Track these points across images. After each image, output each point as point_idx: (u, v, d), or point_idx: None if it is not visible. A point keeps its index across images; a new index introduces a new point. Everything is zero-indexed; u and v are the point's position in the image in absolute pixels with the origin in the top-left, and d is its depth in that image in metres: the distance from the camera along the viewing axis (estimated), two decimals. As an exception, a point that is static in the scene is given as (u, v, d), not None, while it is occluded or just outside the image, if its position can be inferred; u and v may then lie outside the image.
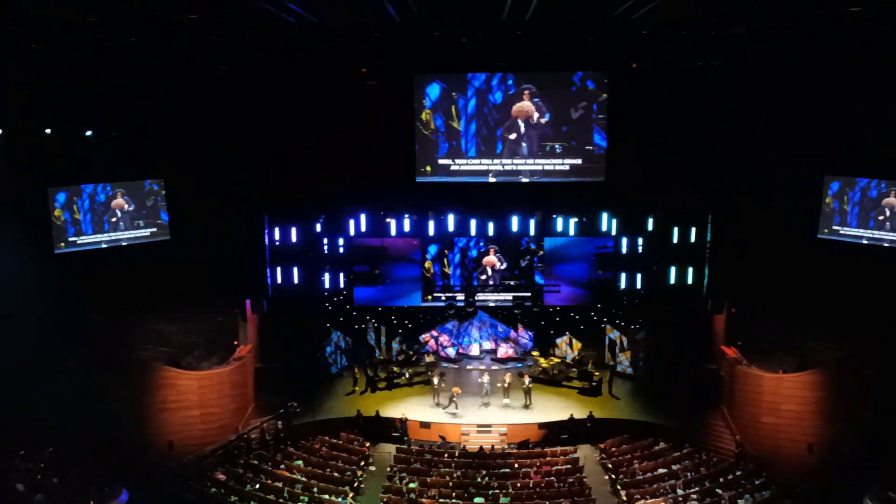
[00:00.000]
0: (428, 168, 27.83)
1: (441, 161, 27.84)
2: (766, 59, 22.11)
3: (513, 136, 27.59)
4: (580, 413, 27.74)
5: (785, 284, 25.07)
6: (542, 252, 31.33)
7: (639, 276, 30.17)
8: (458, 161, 27.95)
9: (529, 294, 31.49)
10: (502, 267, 31.51)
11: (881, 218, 25.08)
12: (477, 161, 28.12)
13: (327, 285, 30.30)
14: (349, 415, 27.86)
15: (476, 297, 31.11)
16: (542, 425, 27.32)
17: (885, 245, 24.42)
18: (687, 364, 28.96)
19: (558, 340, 33.35)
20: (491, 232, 30.08)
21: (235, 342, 29.09)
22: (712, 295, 29.07)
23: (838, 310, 23.68)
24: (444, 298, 31.42)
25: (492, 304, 31.95)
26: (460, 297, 31.46)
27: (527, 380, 28.29)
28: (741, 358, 27.77)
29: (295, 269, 29.64)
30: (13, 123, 22.34)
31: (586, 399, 29.42)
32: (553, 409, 28.44)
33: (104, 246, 25.91)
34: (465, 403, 28.49)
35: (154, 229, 26.77)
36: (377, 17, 18.55)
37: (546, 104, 27.35)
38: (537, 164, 27.92)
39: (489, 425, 27.28)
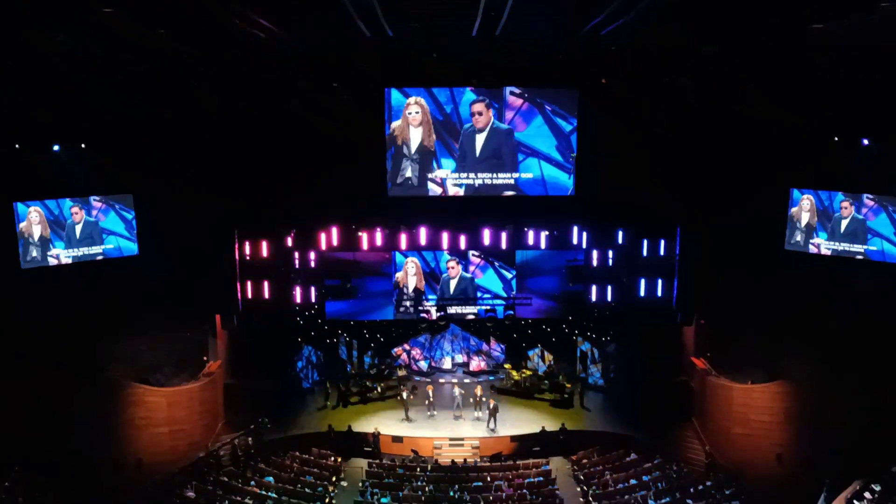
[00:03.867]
0: (399, 181, 27.84)
1: (412, 174, 27.99)
2: (736, 75, 22.65)
3: (483, 150, 27.89)
4: (552, 425, 27.99)
5: (753, 296, 25.39)
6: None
7: (609, 289, 30.37)
8: (429, 175, 28.00)
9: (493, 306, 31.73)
10: (468, 275, 31.59)
11: (843, 230, 25.69)
12: (449, 174, 28.26)
13: (298, 300, 30.21)
14: (321, 430, 27.95)
15: (448, 311, 31.42)
16: (514, 438, 27.47)
17: (850, 257, 24.89)
18: (658, 376, 29.20)
19: (530, 353, 33.51)
20: (463, 245, 30.74)
21: (205, 358, 29.02)
22: (682, 307, 29.28)
23: (806, 321, 24.13)
24: (414, 311, 31.59)
25: (468, 317, 32.26)
26: (433, 309, 31.62)
27: (492, 403, 28.25)
28: (711, 369, 28.08)
29: (265, 284, 29.56)
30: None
31: (558, 411, 29.61)
32: (525, 421, 28.58)
33: (72, 261, 25.76)
34: (438, 417, 28.93)
35: (123, 244, 26.73)
36: (348, 33, 18.74)
37: (518, 118, 28.00)
38: (508, 178, 28.08)
39: (461, 439, 27.48)
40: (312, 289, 30.40)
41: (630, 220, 29.11)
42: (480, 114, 27.30)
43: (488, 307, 30.94)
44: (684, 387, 29.19)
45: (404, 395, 29.23)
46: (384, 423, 28.41)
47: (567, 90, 26.52)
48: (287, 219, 29.04)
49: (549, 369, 32.73)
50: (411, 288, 31.67)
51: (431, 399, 29.42)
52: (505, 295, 31.22)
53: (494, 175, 28.11)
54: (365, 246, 29.83)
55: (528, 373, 32.31)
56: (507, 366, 33.22)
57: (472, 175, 28.58)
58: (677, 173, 26.51)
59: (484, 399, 29.14)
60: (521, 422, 28.59)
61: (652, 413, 28.03)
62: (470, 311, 31.81)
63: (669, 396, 28.81)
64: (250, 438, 26.83)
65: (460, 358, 34.45)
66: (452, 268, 31.32)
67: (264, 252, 29.30)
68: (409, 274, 31.86)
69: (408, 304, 31.33)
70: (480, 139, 27.65)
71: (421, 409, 29.79)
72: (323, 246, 29.80)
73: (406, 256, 31.58)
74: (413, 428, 28.28)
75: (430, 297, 31.21)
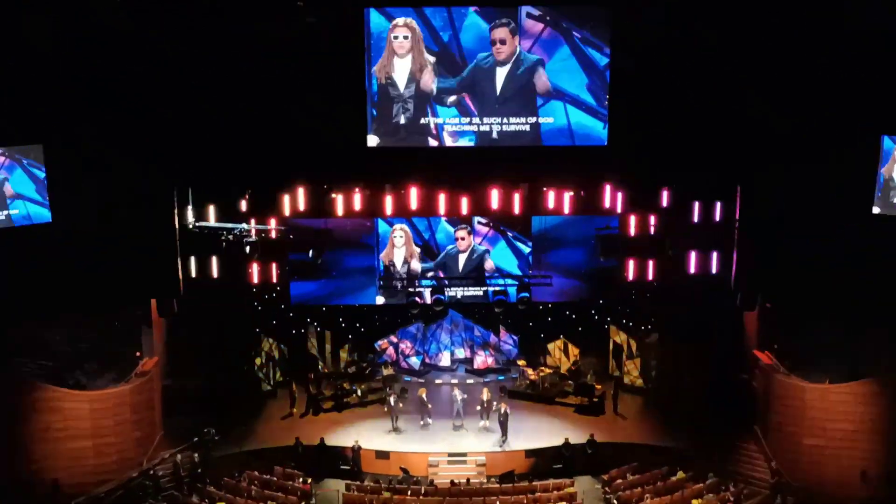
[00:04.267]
0: (384, 129, 28.16)
1: (401, 120, 28.18)
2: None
3: (505, 90, 28.16)
4: (578, 437, 28.29)
5: (832, 274, 25.66)
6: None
7: (651, 264, 30.30)
8: (423, 120, 28.23)
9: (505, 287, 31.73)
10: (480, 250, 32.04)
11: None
12: (447, 119, 28.53)
13: (256, 279, 30.10)
14: (286, 443, 28.19)
15: (447, 292, 31.51)
16: (529, 453, 27.77)
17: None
18: (710, 373, 29.86)
19: (550, 346, 34.06)
20: (465, 209, 29.81)
21: (138, 353, 29.34)
22: (742, 287, 29.48)
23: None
24: (405, 293, 31.45)
25: (466, 301, 32.57)
26: (426, 291, 31.60)
27: (503, 408, 28.39)
28: (778, 365, 28.43)
29: (213, 260, 29.52)
30: None
31: (585, 419, 30.12)
32: (544, 431, 28.96)
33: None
34: (434, 427, 29.35)
35: (32, 210, 26.52)
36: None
37: (537, 48, 27.82)
38: (524, 124, 28.40)
39: (463, 454, 27.77)
40: (273, 266, 30.27)
41: (677, 176, 29.13)
42: (503, 42, 27.47)
43: (497, 288, 30.98)
44: (744, 387, 29.71)
45: (391, 399, 29.45)
46: (366, 435, 28.65)
47: (599, 8, 26.74)
48: (241, 177, 29.04)
49: (573, 366, 33.31)
50: (399, 264, 32.03)
51: (425, 404, 29.70)
52: (519, 273, 31.47)
53: (505, 121, 28.36)
54: (340, 210, 29.53)
55: (548, 371, 32.76)
56: (520, 362, 33.64)
57: (477, 121, 28.52)
58: (738, 117, 26.76)
59: (492, 404, 29.44)
60: (538, 432, 28.92)
61: (703, 420, 28.59)
62: (474, 293, 32.21)
63: (725, 399, 29.36)
64: (196, 454, 27.11)
65: (462, 353, 34.93)
66: (463, 238, 31.69)
67: (212, 219, 29.07)
68: (396, 246, 32.12)
69: (396, 284, 31.54)
70: (501, 76, 27.87)
71: (412, 416, 30.15)
72: (286, 211, 29.57)
73: (392, 224, 31.83)
74: (403, 440, 28.59)
75: (425, 268, 31.72)
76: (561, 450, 27.69)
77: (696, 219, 29.60)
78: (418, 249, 31.93)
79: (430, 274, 31.53)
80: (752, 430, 28.92)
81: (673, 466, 27.21)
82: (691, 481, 26.37)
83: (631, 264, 30.58)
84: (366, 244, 31.87)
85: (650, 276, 30.55)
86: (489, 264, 31.91)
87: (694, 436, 28.33)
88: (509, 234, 31.87)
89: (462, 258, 31.97)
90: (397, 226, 31.75)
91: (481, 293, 32.46)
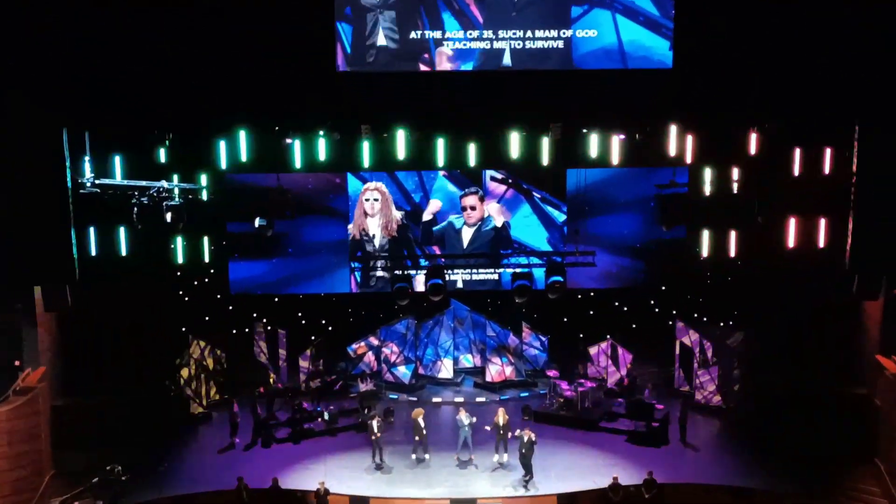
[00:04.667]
0: (358, 50, 28.18)
1: (382, 37, 28.28)
2: None
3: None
4: (631, 476, 27.66)
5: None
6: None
7: (733, 236, 30.26)
8: (414, 33, 28.18)
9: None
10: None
11: None
12: (448, 35, 28.33)
13: (181, 259, 30.09)
14: (225, 487, 27.36)
15: (448, 276, 31.59)
16: (563, 499, 27.10)
17: None
18: (815, 387, 29.87)
19: (593, 350, 33.61)
20: (472, 160, 29.53)
21: (17, 362, 28.92)
22: (861, 267, 29.26)
23: None
24: (391, 278, 31.41)
25: (474, 288, 32.72)
26: (418, 275, 31.84)
27: (527, 436, 27.86)
28: (912, 375, 27.71)
29: (121, 232, 29.26)
30: None
31: (642, 451, 29.57)
32: (583, 469, 28.53)
33: None
34: (432, 463, 29.15)
35: None
36: None
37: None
38: (554, 40, 28.24)
39: (473, 500, 27.12)
40: (205, 240, 30.32)
41: (770, 113, 28.67)
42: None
43: (519, 270, 31.12)
44: (862, 405, 29.56)
45: (374, 425, 28.80)
46: (336, 474, 28.11)
47: None
48: (158, 117, 28.76)
49: (625, 379, 32.80)
50: (377, 237, 32.26)
51: (420, 432, 29.17)
52: (549, 249, 31.85)
53: (526, 35, 28.32)
54: (298, 162, 29.17)
55: (590, 385, 32.40)
56: (551, 373, 33.41)
57: (490, 35, 28.30)
58: (856, 28, 26.75)
59: (510, 431, 28.78)
60: (575, 470, 28.38)
61: (806, 450, 28.55)
62: (485, 276, 32.46)
63: (836, 421, 29.15)
64: (99, 503, 26.22)
65: (469, 360, 34.91)
66: (473, 209, 32.16)
67: (118, 175, 28.49)
68: (369, 213, 32.30)
69: (377, 266, 31.89)
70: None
71: (401, 448, 29.76)
72: (223, 163, 29.38)
73: (368, 181, 31.95)
74: (388, 482, 28.03)
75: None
76: (608, 494, 26.82)
77: (796, 171, 29.43)
78: (399, 215, 32.30)
79: (424, 251, 31.77)
80: (872, 464, 28.51)
81: (765, 516, 26.46)
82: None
83: (705, 236, 30.73)
84: (335, 209, 31.88)
85: (732, 253, 30.54)
86: (504, 236, 32.19)
87: (792, 472, 28.01)
88: (535, 194, 31.89)
89: (468, 232, 32.32)
90: (371, 184, 31.89)
91: (496, 277, 32.70)
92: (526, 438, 27.89)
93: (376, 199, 31.97)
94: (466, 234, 32.29)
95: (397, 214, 32.15)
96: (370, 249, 32.35)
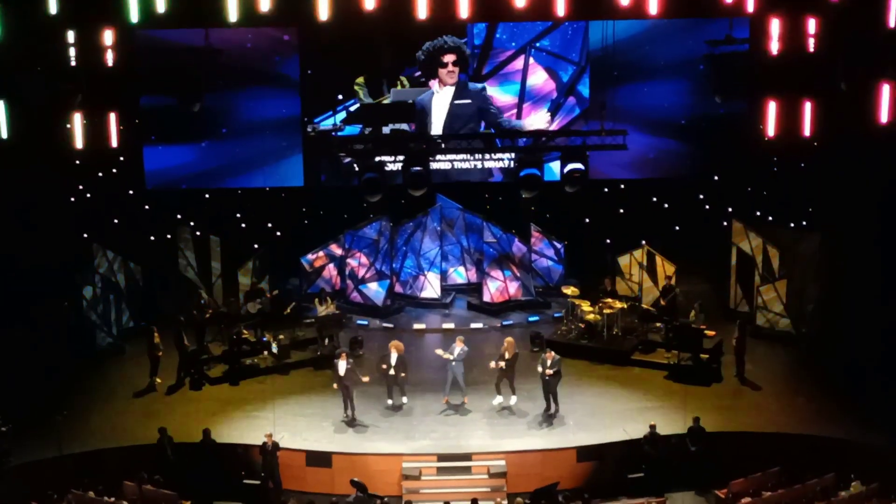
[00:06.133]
0: None
1: None
2: None
3: None
4: (672, 423, 26.50)
5: None
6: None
7: (807, 108, 28.13)
8: None
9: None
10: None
11: None
12: None
13: (80, 142, 28.11)
14: (144, 441, 26.24)
15: (432, 164, 31.17)
16: (585, 452, 25.90)
17: None
18: None
19: (623, 260, 32.45)
20: (464, 9, 27.33)
21: None
22: None
23: None
24: (358, 169, 31.47)
25: (465, 179, 32.67)
26: (391, 162, 31.83)
27: (549, 359, 26.98)
28: None
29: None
30: None
31: (686, 391, 28.13)
32: (611, 414, 27.43)
33: None
34: (413, 409, 27.87)
35: None
36: None
37: None
38: None
39: (467, 455, 25.88)
40: (111, 116, 28.50)
41: None
42: None
43: (522, 155, 30.41)
44: None
45: (341, 366, 27.18)
46: (289, 425, 26.93)
47: None
48: None
49: (665, 297, 31.37)
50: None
51: (397, 368, 27.69)
52: (564, 127, 30.89)
53: None
54: (234, 14, 27.16)
55: (619, 305, 31.03)
56: (569, 290, 31.84)
57: None
58: None
59: (516, 363, 27.33)
60: (600, 416, 27.21)
61: None
62: (479, 163, 31.56)
63: None
64: None
65: (461, 274, 33.93)
66: (450, 72, 31.51)
67: None
68: None
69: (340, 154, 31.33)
70: None
71: (374, 389, 28.15)
72: (133, 14, 27.13)
73: None
74: (356, 434, 26.77)
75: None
76: (642, 447, 25.50)
77: (891, 23, 27.00)
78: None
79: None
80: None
81: (844, 472, 24.64)
82: (876, 498, 24.01)
83: (771, 108, 28.64)
84: (283, 76, 31.22)
85: (807, 131, 28.56)
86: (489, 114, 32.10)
87: (883, 420, 26.27)
88: (542, 49, 30.97)
89: (439, 105, 31.64)
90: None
91: (496, 165, 32.13)
92: (549, 361, 26.89)
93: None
94: (438, 104, 31.65)
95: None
96: (330, 130, 31.31)
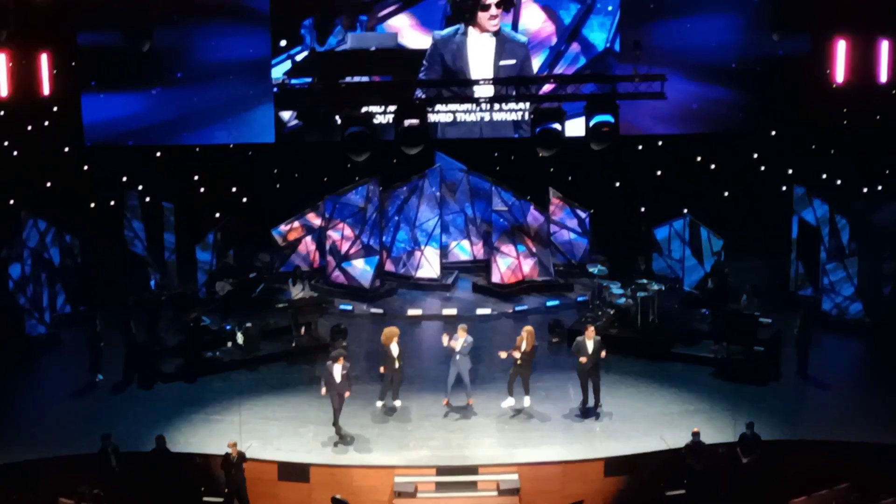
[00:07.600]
0: None
1: None
2: None
3: None
4: (720, 430, 25.78)
5: None
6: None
7: (885, 48, 28.52)
8: None
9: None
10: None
11: None
12: None
13: (4, 89, 28.42)
14: (82, 450, 25.07)
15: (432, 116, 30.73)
16: (614, 464, 25.19)
17: None
18: None
19: (661, 233, 31.94)
20: None
21: None
22: None
23: None
24: (339, 120, 30.78)
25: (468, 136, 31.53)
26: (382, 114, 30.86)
27: (590, 340, 26.24)
28: None
29: None
30: None
31: (738, 390, 27.75)
32: (647, 419, 26.78)
33: None
34: (409, 411, 27.01)
35: None
36: None
37: None
38: None
39: (472, 468, 25.06)
40: (42, 57, 29.04)
41: None
42: None
43: (543, 106, 30.22)
44: None
45: (336, 370, 25.97)
46: (258, 430, 26.16)
47: None
48: None
49: (712, 277, 31.48)
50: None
51: (392, 364, 26.69)
52: (588, 72, 30.75)
53: None
54: None
55: (657, 287, 31.11)
56: (595, 269, 32.09)
57: None
58: None
59: (534, 355, 26.53)
60: (634, 420, 26.62)
61: None
62: (486, 114, 31.17)
63: None
64: None
65: (465, 249, 33.97)
66: (492, 17, 32.65)
67: None
68: None
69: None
70: None
71: (359, 387, 27.01)
72: None
73: None
74: (339, 443, 25.72)
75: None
76: (684, 458, 24.52)
77: None
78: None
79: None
80: None
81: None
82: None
83: (841, 48, 28.95)
84: (250, 8, 30.89)
85: (883, 76, 28.95)
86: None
87: None
88: None
89: (480, 54, 30.87)
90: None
91: (508, 118, 30.81)
92: (590, 345, 26.30)
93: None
94: (475, 51, 31.09)
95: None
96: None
